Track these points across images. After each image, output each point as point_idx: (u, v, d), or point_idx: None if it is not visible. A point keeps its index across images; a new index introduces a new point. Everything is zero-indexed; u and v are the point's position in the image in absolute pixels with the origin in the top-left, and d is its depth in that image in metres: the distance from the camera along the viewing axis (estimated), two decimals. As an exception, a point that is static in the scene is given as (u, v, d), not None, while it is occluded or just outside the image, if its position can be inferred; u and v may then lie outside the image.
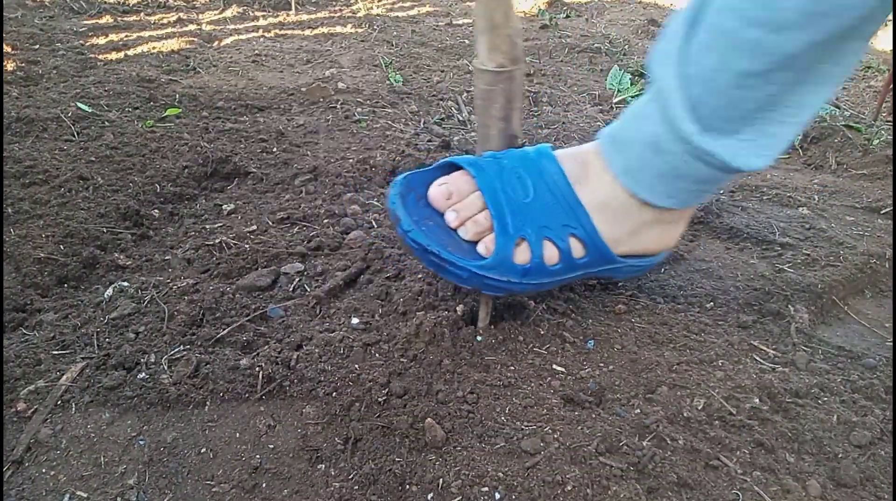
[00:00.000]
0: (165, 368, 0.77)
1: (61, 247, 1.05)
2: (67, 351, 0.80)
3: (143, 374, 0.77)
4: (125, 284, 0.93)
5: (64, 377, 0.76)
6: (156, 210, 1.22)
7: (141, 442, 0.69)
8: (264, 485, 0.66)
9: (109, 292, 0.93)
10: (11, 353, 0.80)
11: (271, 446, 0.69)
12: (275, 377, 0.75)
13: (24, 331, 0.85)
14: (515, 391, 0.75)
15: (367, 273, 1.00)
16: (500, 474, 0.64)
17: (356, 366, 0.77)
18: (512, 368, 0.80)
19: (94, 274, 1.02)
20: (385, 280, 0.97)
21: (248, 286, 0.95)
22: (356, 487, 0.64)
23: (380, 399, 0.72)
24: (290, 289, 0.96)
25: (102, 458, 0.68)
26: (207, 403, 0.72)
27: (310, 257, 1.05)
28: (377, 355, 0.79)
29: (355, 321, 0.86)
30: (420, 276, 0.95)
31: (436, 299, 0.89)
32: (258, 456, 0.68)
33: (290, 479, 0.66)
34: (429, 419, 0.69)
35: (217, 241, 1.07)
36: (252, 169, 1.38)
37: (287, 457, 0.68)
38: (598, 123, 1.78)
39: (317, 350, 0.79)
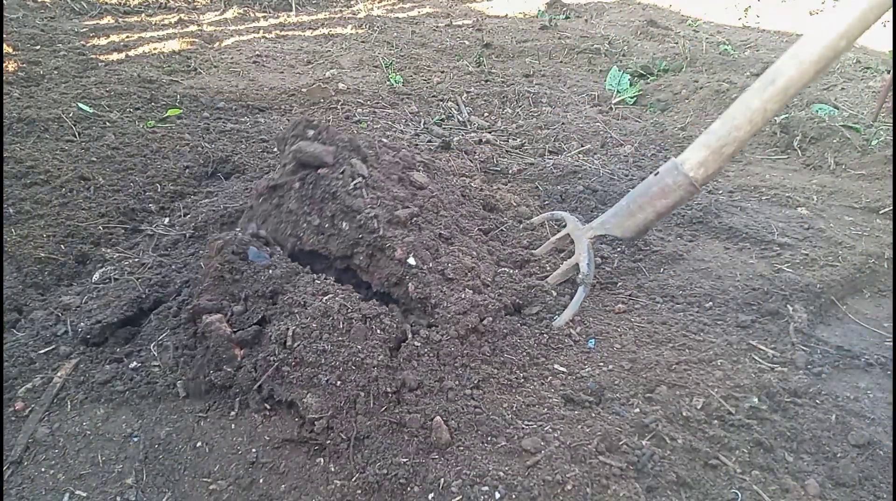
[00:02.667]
0: (155, 354, 0.77)
1: (62, 247, 1.05)
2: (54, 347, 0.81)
3: (135, 362, 0.78)
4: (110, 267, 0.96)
5: (58, 373, 0.76)
6: (152, 205, 1.23)
7: (135, 440, 0.69)
8: (261, 480, 0.66)
9: (96, 276, 0.96)
10: (6, 353, 0.80)
11: (267, 437, 0.69)
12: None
13: (14, 331, 0.85)
14: (519, 389, 0.76)
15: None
16: (501, 473, 0.64)
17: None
18: (516, 366, 0.80)
19: (85, 269, 1.02)
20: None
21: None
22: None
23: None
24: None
25: (100, 456, 0.68)
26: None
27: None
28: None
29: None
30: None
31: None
32: (254, 450, 0.68)
33: (288, 474, 0.66)
34: (437, 418, 0.68)
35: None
36: (251, 167, 1.39)
37: (285, 450, 0.68)
38: (597, 124, 1.78)
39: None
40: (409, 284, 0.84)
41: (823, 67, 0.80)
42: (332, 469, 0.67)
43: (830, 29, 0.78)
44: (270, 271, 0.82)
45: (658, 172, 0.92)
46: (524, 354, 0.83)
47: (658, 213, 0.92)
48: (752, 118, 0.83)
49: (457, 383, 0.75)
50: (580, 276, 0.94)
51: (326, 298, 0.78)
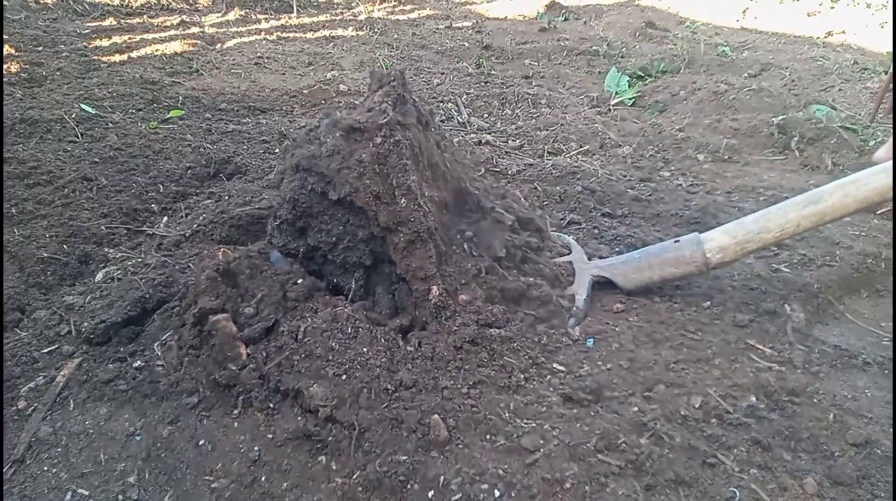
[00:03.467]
0: (158, 354, 0.78)
1: (65, 247, 1.06)
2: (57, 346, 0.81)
3: (138, 362, 0.78)
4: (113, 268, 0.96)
5: (61, 373, 0.77)
6: (155, 205, 1.23)
7: (137, 438, 0.70)
8: (263, 478, 0.66)
9: (100, 275, 0.96)
10: (8, 352, 0.81)
11: (270, 436, 0.70)
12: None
13: (17, 331, 0.86)
14: (518, 388, 0.76)
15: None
16: (500, 471, 0.65)
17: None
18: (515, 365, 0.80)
19: (88, 269, 1.03)
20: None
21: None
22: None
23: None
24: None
25: (102, 455, 0.69)
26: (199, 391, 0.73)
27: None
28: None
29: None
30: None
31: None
32: (257, 449, 0.69)
33: (290, 472, 0.66)
34: (435, 416, 0.69)
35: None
36: (253, 168, 1.40)
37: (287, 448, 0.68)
38: (596, 125, 1.79)
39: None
40: (434, 286, 0.81)
41: (865, 208, 0.85)
42: (334, 467, 0.68)
43: (882, 177, 0.82)
44: (289, 279, 0.82)
45: (679, 240, 0.95)
46: (524, 356, 0.82)
47: (664, 278, 0.94)
48: (784, 227, 0.87)
49: (451, 382, 0.76)
50: (574, 308, 0.91)
51: (337, 308, 0.80)
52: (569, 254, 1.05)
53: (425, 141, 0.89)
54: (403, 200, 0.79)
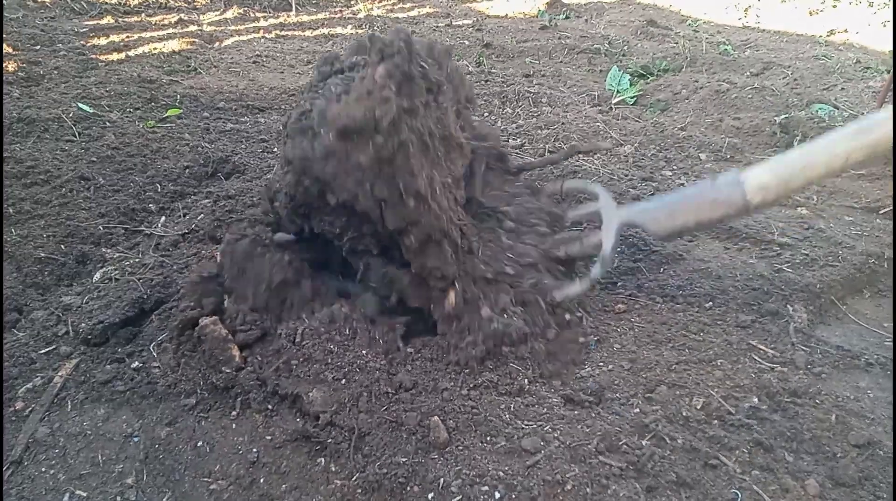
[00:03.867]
0: (155, 355, 0.77)
1: (62, 247, 1.05)
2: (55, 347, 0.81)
3: (136, 363, 0.78)
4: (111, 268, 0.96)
5: (59, 373, 0.77)
6: (152, 205, 1.23)
7: (135, 439, 0.69)
8: (262, 480, 0.66)
9: (97, 276, 0.96)
10: (6, 353, 0.80)
11: (269, 438, 0.70)
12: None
13: (15, 331, 0.85)
14: (519, 390, 0.76)
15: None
16: (501, 473, 0.64)
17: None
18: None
19: (85, 270, 1.02)
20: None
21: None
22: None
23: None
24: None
25: (100, 456, 0.68)
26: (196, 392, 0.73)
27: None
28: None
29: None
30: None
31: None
32: (255, 450, 0.69)
33: (289, 474, 0.66)
34: (435, 417, 0.68)
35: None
36: (251, 167, 1.39)
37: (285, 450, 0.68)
38: (598, 124, 1.78)
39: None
40: (452, 293, 0.75)
41: None
42: (333, 469, 0.67)
43: None
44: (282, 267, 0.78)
45: (717, 179, 0.85)
46: (532, 363, 0.80)
47: (700, 223, 0.85)
48: (831, 163, 0.79)
49: (451, 384, 0.75)
50: (601, 256, 0.86)
51: (334, 307, 0.78)
52: (595, 203, 0.97)
53: (437, 111, 0.77)
54: (412, 201, 0.70)
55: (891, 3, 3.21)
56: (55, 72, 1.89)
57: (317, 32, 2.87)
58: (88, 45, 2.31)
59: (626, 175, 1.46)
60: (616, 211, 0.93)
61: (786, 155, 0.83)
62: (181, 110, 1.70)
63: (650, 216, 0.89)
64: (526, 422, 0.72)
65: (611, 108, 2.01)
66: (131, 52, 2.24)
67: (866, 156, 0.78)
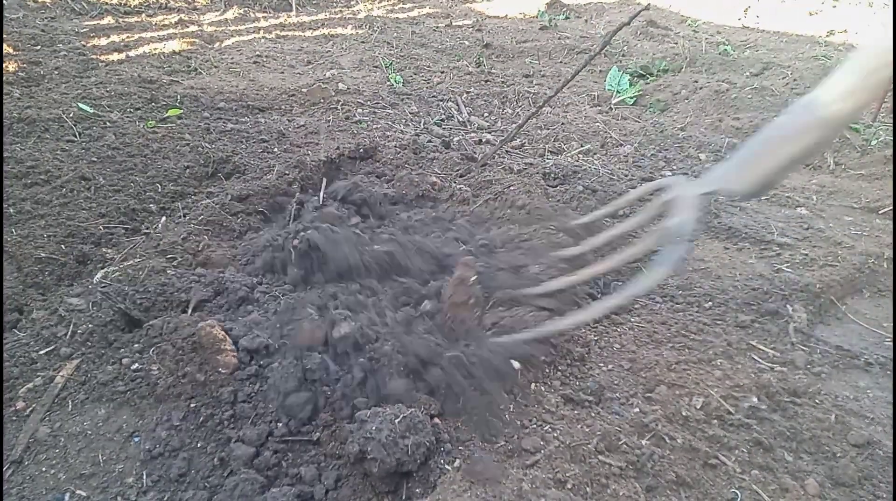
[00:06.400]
0: (154, 357, 0.77)
1: (62, 247, 1.05)
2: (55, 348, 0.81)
3: (136, 364, 0.78)
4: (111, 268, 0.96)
5: (60, 374, 0.77)
6: (153, 205, 1.23)
7: (136, 439, 0.69)
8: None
9: (98, 276, 0.95)
10: (7, 353, 0.80)
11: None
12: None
13: (16, 331, 0.85)
14: (519, 391, 0.76)
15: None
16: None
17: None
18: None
19: (86, 270, 1.02)
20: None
21: None
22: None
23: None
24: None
25: (100, 456, 0.69)
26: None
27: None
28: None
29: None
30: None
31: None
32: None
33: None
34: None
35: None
36: (251, 168, 1.39)
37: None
38: (597, 124, 1.78)
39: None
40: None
41: None
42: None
43: None
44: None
45: (790, 106, 0.75)
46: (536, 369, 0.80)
47: (792, 160, 0.74)
48: (885, 58, 0.65)
49: None
50: (684, 234, 0.75)
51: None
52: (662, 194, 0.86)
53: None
54: None
55: (891, 4, 3.21)
56: (55, 72, 1.90)
57: (317, 33, 2.87)
58: (89, 45, 2.31)
59: (627, 175, 1.46)
60: (689, 186, 0.84)
61: (853, 61, 0.72)
62: (181, 110, 1.70)
63: (729, 178, 0.79)
64: (526, 422, 0.72)
65: (610, 108, 2.01)
66: (132, 53, 2.25)
67: None
